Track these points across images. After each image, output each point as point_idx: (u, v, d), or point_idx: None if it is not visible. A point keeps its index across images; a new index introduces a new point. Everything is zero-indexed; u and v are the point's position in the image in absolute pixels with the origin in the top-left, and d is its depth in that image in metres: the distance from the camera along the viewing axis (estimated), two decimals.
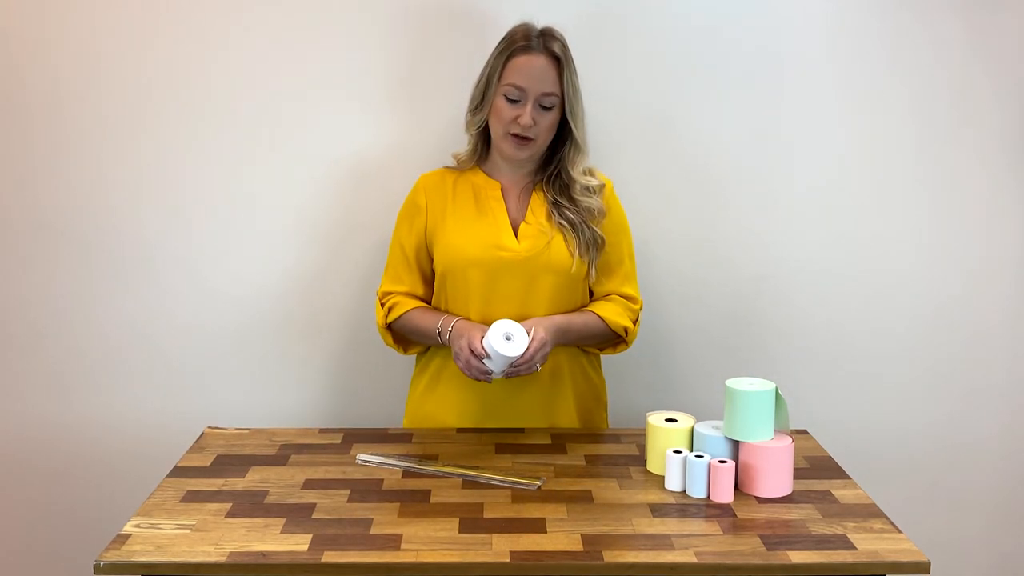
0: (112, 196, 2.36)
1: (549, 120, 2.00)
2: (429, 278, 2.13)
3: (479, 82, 2.04)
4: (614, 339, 2.12)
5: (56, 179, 2.35)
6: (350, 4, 2.30)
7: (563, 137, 2.05)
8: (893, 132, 2.39)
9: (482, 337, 1.89)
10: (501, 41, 2.01)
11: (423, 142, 2.32)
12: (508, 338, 1.88)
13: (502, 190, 2.09)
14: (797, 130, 2.38)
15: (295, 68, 2.32)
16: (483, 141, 2.10)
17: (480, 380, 1.94)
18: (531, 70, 1.97)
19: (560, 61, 1.98)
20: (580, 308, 2.09)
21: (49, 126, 2.33)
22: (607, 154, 2.27)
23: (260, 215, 2.38)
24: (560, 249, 2.02)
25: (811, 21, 2.35)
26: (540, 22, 2.03)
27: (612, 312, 2.07)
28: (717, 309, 2.44)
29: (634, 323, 2.10)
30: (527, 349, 1.88)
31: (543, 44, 1.99)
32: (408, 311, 2.07)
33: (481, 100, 2.03)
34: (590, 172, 2.09)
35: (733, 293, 2.44)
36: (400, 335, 2.13)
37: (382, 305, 2.11)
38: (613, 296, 2.10)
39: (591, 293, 2.12)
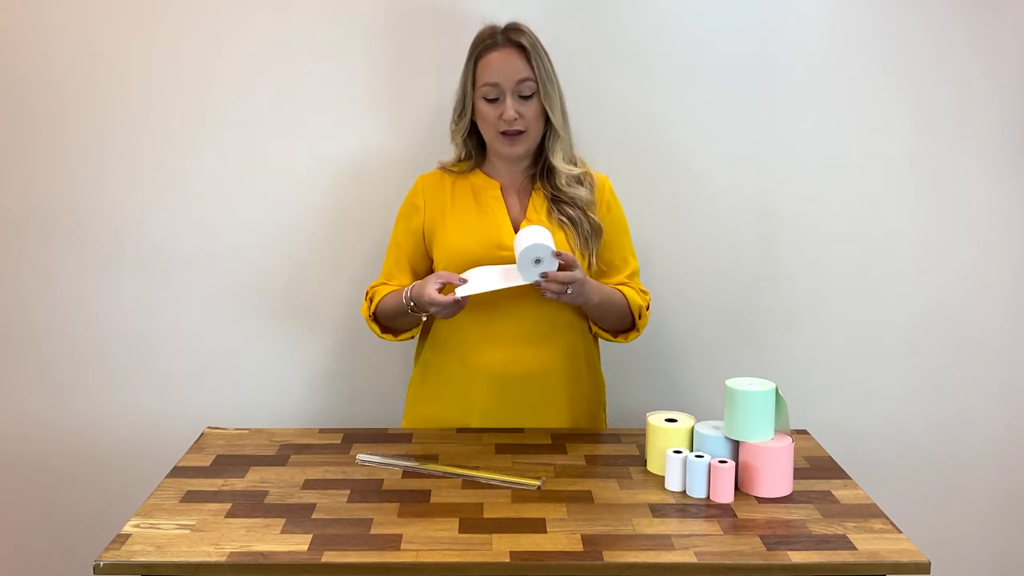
0: (111, 196, 2.36)
1: (533, 109, 2.00)
2: (421, 277, 2.13)
3: (457, 91, 2.05)
4: (628, 321, 2.10)
5: (55, 179, 2.35)
6: (349, 6, 2.30)
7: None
8: (892, 132, 2.39)
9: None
10: (469, 47, 2.03)
11: (425, 142, 2.32)
12: (537, 261, 1.87)
13: (501, 189, 2.09)
14: (796, 129, 2.38)
15: (293, 69, 2.32)
16: (477, 144, 2.10)
17: (455, 305, 1.91)
18: (500, 64, 1.98)
19: (527, 49, 1.99)
20: None
21: (48, 126, 2.33)
22: (605, 154, 2.27)
23: (259, 215, 2.38)
24: (562, 246, 2.02)
25: (810, 21, 2.34)
26: (530, 21, 2.04)
27: (630, 292, 2.08)
28: (717, 309, 2.44)
29: (646, 308, 2.11)
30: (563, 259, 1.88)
31: (507, 38, 2.00)
32: (382, 297, 2.08)
33: (462, 108, 2.04)
34: (580, 162, 2.09)
35: (733, 293, 2.44)
36: (385, 324, 2.12)
37: (366, 297, 2.12)
38: (627, 284, 2.11)
39: None
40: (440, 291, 1.91)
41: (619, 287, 2.09)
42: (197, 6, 2.30)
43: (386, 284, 2.12)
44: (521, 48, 1.99)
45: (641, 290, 2.13)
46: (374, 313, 2.10)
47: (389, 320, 2.10)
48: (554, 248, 1.88)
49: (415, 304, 1.97)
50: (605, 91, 2.33)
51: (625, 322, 2.11)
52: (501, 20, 2.04)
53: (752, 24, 2.34)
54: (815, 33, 2.35)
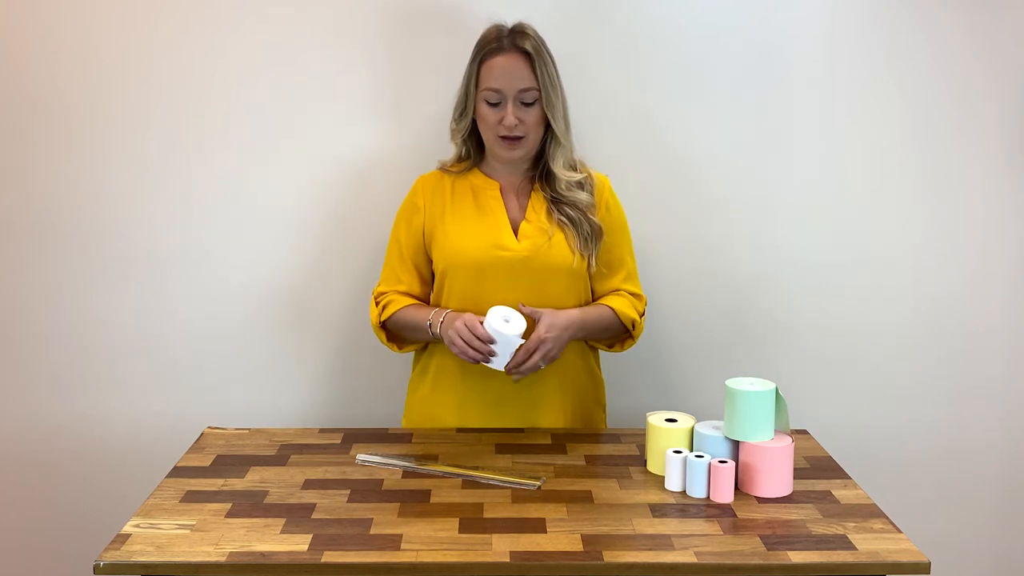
0: (111, 196, 2.36)
1: (534, 116, 2.00)
2: (427, 278, 2.13)
3: (459, 90, 2.05)
4: (622, 333, 2.11)
5: (56, 180, 2.35)
6: (350, 7, 2.30)
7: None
8: (892, 131, 2.39)
9: (481, 322, 1.91)
10: (474, 47, 2.02)
11: (427, 142, 2.32)
12: (507, 320, 1.91)
13: (501, 190, 2.09)
14: (796, 129, 2.38)
15: (295, 68, 2.32)
16: (477, 144, 2.10)
17: (480, 362, 1.92)
18: (504, 70, 1.97)
19: (531, 56, 1.98)
20: (589, 303, 2.10)
21: (50, 127, 2.33)
22: (605, 153, 2.27)
23: (260, 216, 2.38)
24: (561, 247, 2.02)
25: (810, 19, 2.34)
26: (532, 21, 2.04)
27: (621, 304, 2.07)
28: (717, 309, 2.44)
29: (640, 316, 2.11)
30: (530, 338, 1.90)
31: (513, 42, 1.99)
32: (401, 308, 2.07)
33: (463, 108, 2.04)
34: (580, 166, 2.09)
35: (733, 293, 2.43)
36: (394, 333, 2.13)
37: (377, 304, 2.11)
38: (620, 291, 2.11)
39: (592, 292, 2.12)
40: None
41: (609, 299, 2.09)
42: (198, 7, 2.29)
43: (397, 293, 2.11)
44: (526, 55, 1.98)
45: (636, 294, 2.13)
46: (383, 322, 2.10)
47: (401, 331, 2.10)
48: (512, 350, 1.90)
49: (441, 337, 1.98)
50: (606, 90, 2.33)
51: (619, 334, 2.12)
52: (506, 20, 2.03)
53: (751, 24, 2.33)
54: (815, 32, 2.35)
